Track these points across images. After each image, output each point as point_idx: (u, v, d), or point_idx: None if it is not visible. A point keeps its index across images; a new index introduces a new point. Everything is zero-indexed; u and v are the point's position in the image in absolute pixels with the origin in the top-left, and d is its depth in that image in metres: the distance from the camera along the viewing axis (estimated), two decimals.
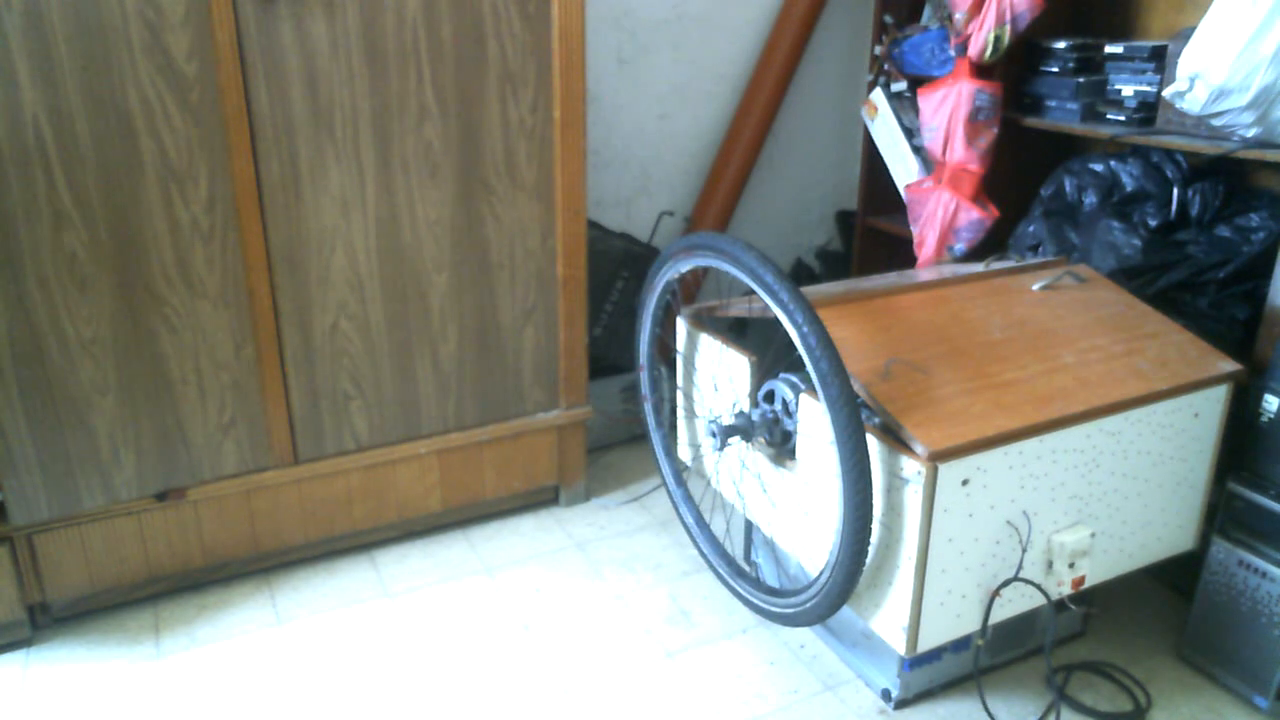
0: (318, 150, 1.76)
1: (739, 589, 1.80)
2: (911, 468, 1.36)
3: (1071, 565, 1.53)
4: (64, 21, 1.52)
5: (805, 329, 1.37)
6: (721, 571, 1.86)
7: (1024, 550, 1.50)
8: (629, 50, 2.54)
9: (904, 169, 2.51)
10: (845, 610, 1.59)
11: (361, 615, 1.90)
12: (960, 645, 1.66)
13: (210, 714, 1.64)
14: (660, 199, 2.73)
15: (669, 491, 2.03)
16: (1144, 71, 2.03)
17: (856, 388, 1.41)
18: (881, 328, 1.61)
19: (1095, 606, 1.81)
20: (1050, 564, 1.54)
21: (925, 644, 1.47)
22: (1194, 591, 1.72)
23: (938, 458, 1.35)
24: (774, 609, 1.66)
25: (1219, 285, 1.83)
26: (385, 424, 1.99)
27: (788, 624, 1.65)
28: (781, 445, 1.65)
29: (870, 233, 2.81)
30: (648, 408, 2.02)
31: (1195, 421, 1.62)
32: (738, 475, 1.79)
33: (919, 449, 1.35)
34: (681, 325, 1.90)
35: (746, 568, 1.97)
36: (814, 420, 1.51)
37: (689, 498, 2.00)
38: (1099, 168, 2.07)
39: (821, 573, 1.49)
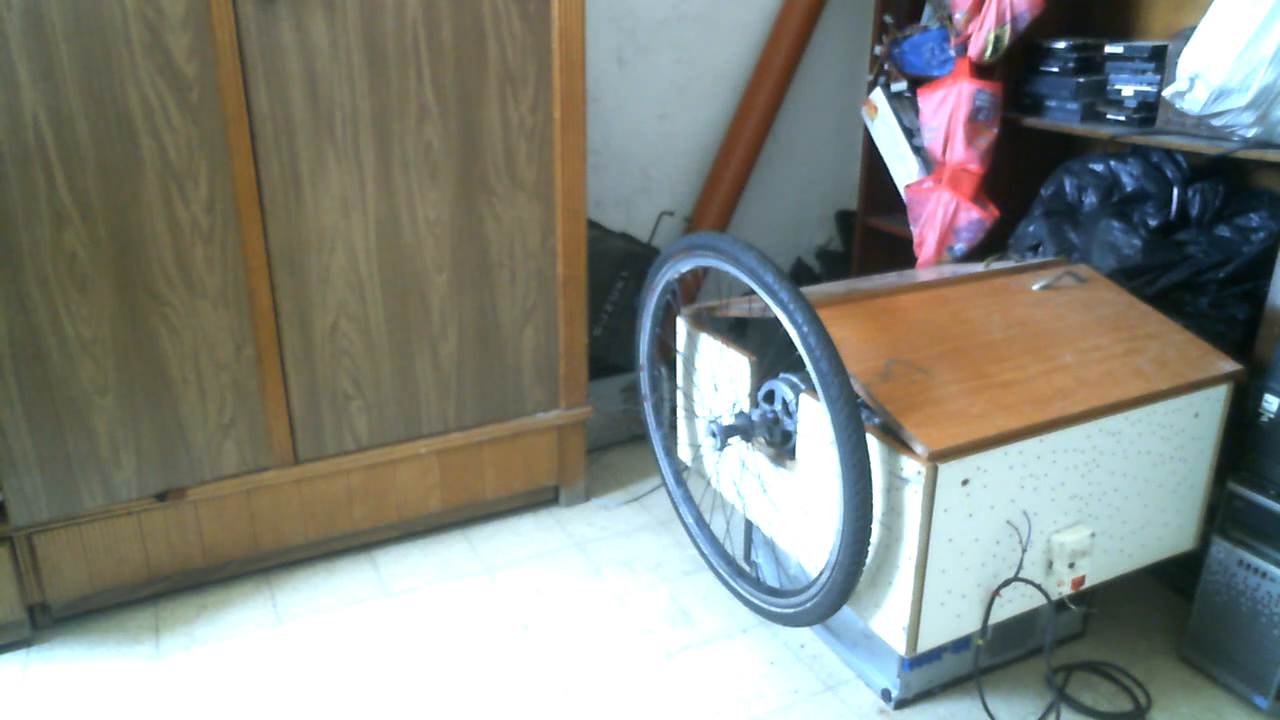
0: (318, 150, 1.76)
1: (739, 589, 1.80)
2: (911, 468, 1.36)
3: (1071, 565, 1.53)
4: (64, 21, 1.52)
5: (805, 329, 1.37)
6: (721, 571, 1.86)
7: (1024, 550, 1.50)
8: (629, 50, 2.54)
9: (904, 169, 2.50)
10: (845, 610, 1.59)
11: (361, 615, 1.90)
12: (960, 645, 1.66)
13: (210, 714, 1.64)
14: (660, 199, 2.73)
15: (669, 491, 2.03)
16: (1144, 71, 2.03)
17: (856, 388, 1.41)
18: (881, 328, 1.61)
19: (1095, 606, 1.81)
20: (1050, 564, 1.54)
21: (925, 644, 1.47)
22: (1194, 591, 1.72)
23: (938, 458, 1.35)
24: (774, 609, 1.66)
25: (1219, 285, 1.83)
26: (385, 424, 1.99)
27: (788, 624, 1.65)
28: (781, 445, 1.65)
29: (870, 233, 2.81)
30: (648, 408, 2.02)
31: (1195, 421, 1.62)
32: (738, 475, 1.79)
33: (919, 449, 1.35)
34: (681, 325, 1.90)
35: (746, 568, 1.96)
36: (814, 420, 1.51)
37: (689, 498, 2.00)
38: (1099, 168, 2.07)
39: (821, 573, 1.49)
